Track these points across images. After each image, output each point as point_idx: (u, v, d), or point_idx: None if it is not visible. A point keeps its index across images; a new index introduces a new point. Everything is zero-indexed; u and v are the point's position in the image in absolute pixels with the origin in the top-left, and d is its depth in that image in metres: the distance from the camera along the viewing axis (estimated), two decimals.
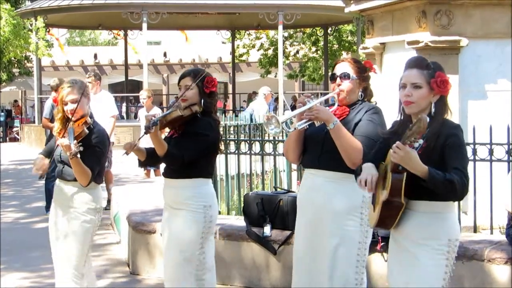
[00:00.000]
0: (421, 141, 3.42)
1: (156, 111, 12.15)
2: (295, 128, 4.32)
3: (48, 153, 5.29)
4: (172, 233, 4.77)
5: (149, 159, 4.81)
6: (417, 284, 3.66)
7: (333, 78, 4.45)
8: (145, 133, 4.48)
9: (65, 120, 4.97)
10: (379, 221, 3.68)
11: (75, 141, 4.74)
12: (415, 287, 3.66)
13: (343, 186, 4.33)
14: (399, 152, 3.43)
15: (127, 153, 4.62)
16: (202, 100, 4.72)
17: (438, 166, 3.51)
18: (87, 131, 4.89)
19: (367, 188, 3.67)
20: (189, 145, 4.62)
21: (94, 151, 4.93)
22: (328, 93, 4.67)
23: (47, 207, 10.31)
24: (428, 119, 3.39)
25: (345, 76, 4.40)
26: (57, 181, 5.21)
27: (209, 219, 4.74)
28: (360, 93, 4.45)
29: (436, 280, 3.66)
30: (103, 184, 7.03)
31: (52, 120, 10.23)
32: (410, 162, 3.44)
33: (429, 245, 3.65)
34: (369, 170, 3.70)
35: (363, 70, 4.46)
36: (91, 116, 5.05)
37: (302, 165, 4.63)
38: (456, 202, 5.83)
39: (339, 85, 4.41)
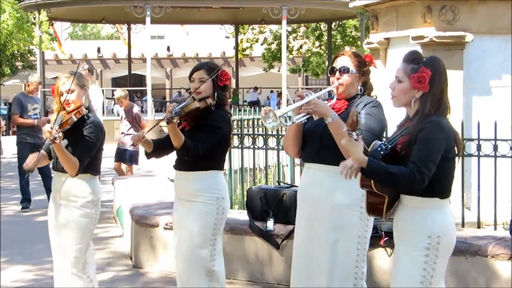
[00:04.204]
0: (354, 135, 3.35)
1: (136, 110, 12.10)
2: (293, 122, 4.31)
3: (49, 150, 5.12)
4: (185, 226, 4.79)
5: (156, 151, 4.86)
6: (394, 282, 3.62)
7: (333, 71, 4.45)
8: (167, 123, 4.45)
9: (62, 110, 4.90)
10: (368, 208, 3.65)
11: (57, 127, 4.63)
12: (393, 285, 3.63)
13: (342, 180, 4.25)
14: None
15: (134, 145, 4.64)
16: (216, 93, 4.76)
17: None
18: (74, 118, 4.78)
19: (343, 173, 3.60)
20: (204, 137, 4.64)
21: (84, 141, 4.83)
22: (327, 87, 4.67)
23: None
24: (359, 114, 3.34)
25: (345, 70, 4.39)
26: (54, 173, 5.11)
27: (222, 211, 4.78)
28: (359, 87, 4.44)
29: (411, 278, 3.55)
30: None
31: (21, 115, 10.27)
32: (350, 151, 3.42)
33: (407, 241, 3.59)
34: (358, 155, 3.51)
35: (363, 64, 4.45)
36: (89, 108, 4.98)
37: (302, 159, 4.63)
38: (458, 198, 5.83)
39: (338, 78, 4.41)
